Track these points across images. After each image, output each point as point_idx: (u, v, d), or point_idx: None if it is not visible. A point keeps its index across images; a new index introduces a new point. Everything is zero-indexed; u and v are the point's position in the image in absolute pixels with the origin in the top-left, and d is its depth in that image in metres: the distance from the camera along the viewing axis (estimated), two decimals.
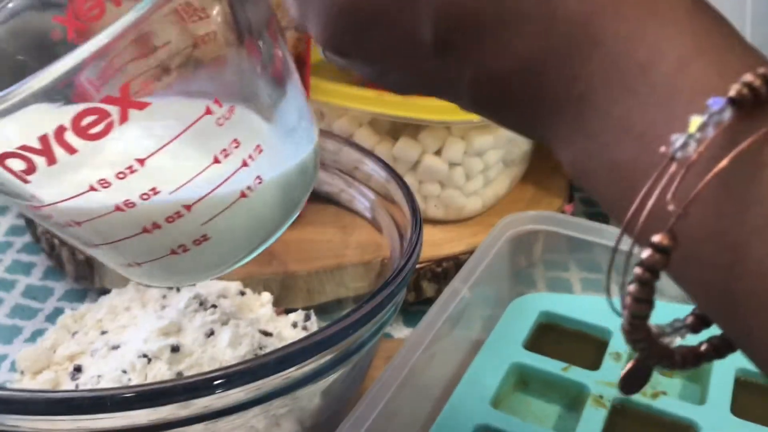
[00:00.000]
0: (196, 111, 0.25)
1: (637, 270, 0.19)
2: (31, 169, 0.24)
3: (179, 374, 0.39)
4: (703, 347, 0.23)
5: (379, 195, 0.44)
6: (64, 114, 0.23)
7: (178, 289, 0.48)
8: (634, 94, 0.19)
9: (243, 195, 0.26)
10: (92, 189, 0.24)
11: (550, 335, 0.46)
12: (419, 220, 0.38)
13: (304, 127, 0.29)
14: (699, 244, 0.18)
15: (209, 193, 0.26)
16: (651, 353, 0.21)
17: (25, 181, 0.24)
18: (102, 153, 0.24)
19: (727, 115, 0.18)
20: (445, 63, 0.22)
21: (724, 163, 0.18)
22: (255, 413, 0.31)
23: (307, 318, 0.47)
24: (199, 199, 0.26)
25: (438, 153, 0.54)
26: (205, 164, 0.25)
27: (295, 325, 0.47)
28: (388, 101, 0.52)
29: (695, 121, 0.18)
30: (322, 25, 0.24)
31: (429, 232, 0.56)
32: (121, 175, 0.24)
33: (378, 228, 0.44)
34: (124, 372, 0.39)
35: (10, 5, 0.31)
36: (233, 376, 0.29)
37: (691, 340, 0.23)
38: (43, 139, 0.23)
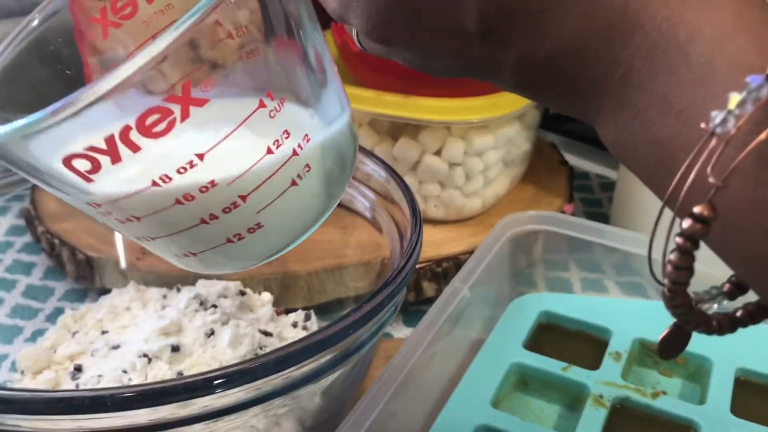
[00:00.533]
0: (250, 105, 0.25)
1: (678, 239, 0.20)
2: (96, 168, 0.24)
3: (179, 374, 0.40)
4: (739, 313, 0.24)
5: (379, 195, 0.44)
6: (125, 114, 0.23)
7: (178, 289, 0.48)
8: (674, 73, 0.20)
9: (293, 183, 0.27)
10: (154, 184, 0.25)
11: (550, 335, 0.46)
12: (419, 220, 0.38)
13: (344, 117, 0.30)
14: (739, 213, 0.19)
15: (263, 182, 0.26)
16: (690, 319, 0.23)
17: (89, 181, 0.25)
18: (164, 149, 0.24)
19: (765, 91, 0.18)
20: (490, 49, 0.23)
21: (762, 136, 0.18)
22: (255, 413, 0.31)
23: (307, 318, 0.47)
24: (254, 189, 0.26)
25: (438, 153, 0.54)
26: (259, 155, 0.26)
27: (295, 325, 0.47)
28: (387, 101, 0.52)
29: (734, 98, 0.19)
30: (368, 16, 0.24)
31: (429, 232, 0.56)
32: (182, 170, 0.25)
33: (378, 228, 0.44)
34: (125, 372, 0.39)
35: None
36: (233, 376, 0.29)
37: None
38: (110, 139, 0.23)
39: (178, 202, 0.26)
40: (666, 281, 0.21)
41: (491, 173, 0.57)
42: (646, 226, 0.55)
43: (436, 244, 0.54)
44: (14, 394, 0.28)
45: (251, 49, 0.26)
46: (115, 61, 0.36)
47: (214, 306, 0.44)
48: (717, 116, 0.19)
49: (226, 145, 0.25)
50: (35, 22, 0.33)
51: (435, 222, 0.57)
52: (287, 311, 0.48)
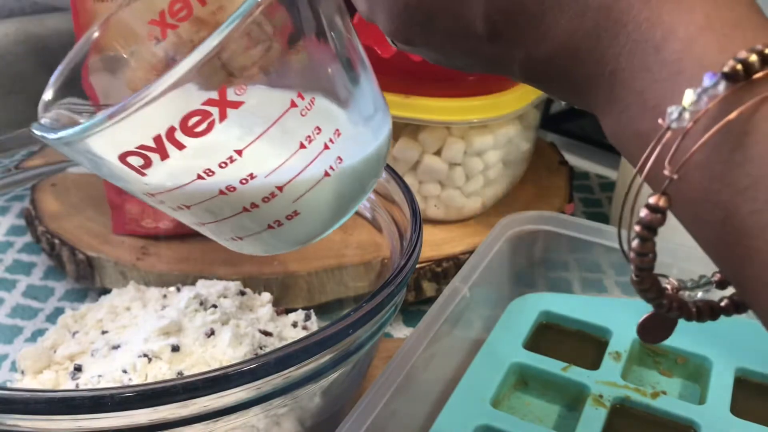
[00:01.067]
0: (282, 105, 0.28)
1: (637, 228, 0.22)
2: (147, 164, 0.27)
3: (180, 374, 0.40)
4: (723, 303, 0.25)
5: (379, 195, 0.44)
6: (171, 113, 0.26)
7: (178, 289, 0.48)
8: (650, 71, 0.22)
9: (326, 174, 0.30)
10: (199, 177, 0.28)
11: (550, 335, 0.46)
12: (419, 220, 0.38)
13: (378, 113, 0.32)
14: (696, 204, 0.21)
15: (297, 174, 0.29)
16: (661, 303, 0.24)
17: (143, 174, 0.28)
18: (206, 146, 0.27)
19: (721, 88, 0.20)
20: (498, 48, 0.25)
21: (711, 132, 0.20)
22: (255, 413, 0.31)
23: (307, 318, 0.47)
24: (289, 180, 0.29)
25: (438, 153, 0.54)
26: (292, 150, 0.29)
27: (295, 324, 0.47)
28: (388, 101, 0.52)
29: (689, 95, 0.20)
30: (390, 19, 0.27)
31: (429, 232, 0.56)
32: (222, 165, 0.28)
33: (378, 228, 0.44)
34: (125, 372, 0.39)
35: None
36: (233, 376, 0.29)
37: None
38: (157, 138, 0.26)
39: (221, 192, 0.29)
40: (632, 267, 0.23)
41: (491, 173, 0.57)
42: None
43: (436, 244, 0.54)
44: (14, 394, 0.28)
45: (282, 51, 0.28)
46: (115, 61, 0.37)
47: (214, 306, 0.44)
48: (673, 112, 0.20)
49: (261, 141, 0.28)
50: (96, 34, 0.37)
51: (435, 222, 0.57)
52: (287, 311, 0.48)
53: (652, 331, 0.28)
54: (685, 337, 0.44)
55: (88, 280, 0.52)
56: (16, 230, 0.57)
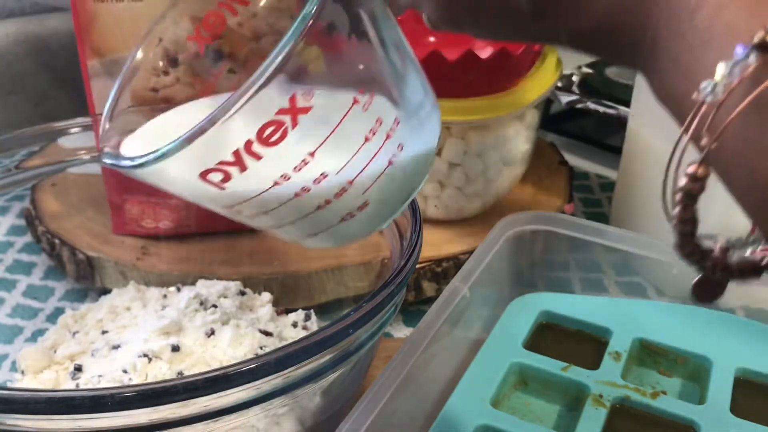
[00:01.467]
0: (346, 103, 0.29)
1: (678, 196, 0.23)
2: (227, 178, 0.29)
3: (180, 374, 0.40)
4: (765, 261, 0.26)
5: None
6: (248, 127, 0.27)
7: (178, 289, 0.48)
8: (684, 37, 0.23)
9: (390, 162, 0.31)
10: (276, 184, 0.29)
11: (549, 335, 0.46)
12: (419, 220, 0.39)
13: (428, 100, 0.34)
14: (733, 168, 0.22)
15: (365, 167, 0.30)
16: (705, 265, 0.25)
17: (222, 189, 0.29)
18: (281, 153, 0.28)
19: (752, 59, 0.20)
20: (544, 24, 0.27)
21: (744, 104, 0.21)
22: (255, 413, 0.32)
23: (307, 318, 0.47)
24: (358, 174, 0.30)
25: (438, 153, 0.54)
26: (359, 144, 0.30)
27: (295, 324, 0.47)
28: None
29: (721, 68, 0.21)
30: (436, 3, 0.29)
31: (429, 232, 0.56)
32: (297, 169, 0.29)
33: None
34: (125, 371, 0.39)
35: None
36: (233, 376, 0.29)
37: None
38: (236, 152, 0.28)
39: (297, 195, 0.30)
40: (674, 234, 0.24)
41: (491, 173, 0.57)
42: (646, 226, 0.55)
43: (436, 244, 0.54)
44: (14, 393, 0.28)
45: (341, 49, 0.29)
46: (116, 64, 0.38)
47: (214, 306, 0.44)
48: (707, 86, 0.21)
49: (330, 141, 0.29)
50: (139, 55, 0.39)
51: (435, 222, 0.57)
52: (287, 311, 0.48)
53: (706, 290, 0.30)
54: (685, 337, 0.44)
55: (88, 280, 0.52)
56: (16, 230, 0.57)
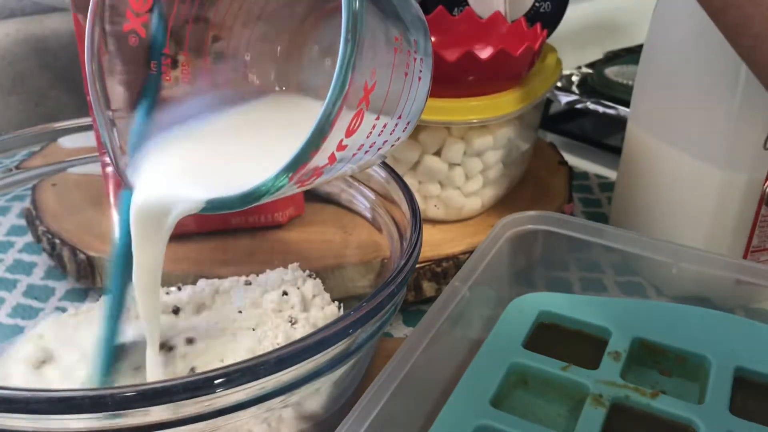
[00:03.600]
0: (389, 57, 0.31)
1: None
2: (317, 176, 0.31)
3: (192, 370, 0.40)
4: None
5: (379, 195, 0.44)
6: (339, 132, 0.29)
7: (179, 288, 0.48)
8: None
9: (419, 79, 0.34)
10: (354, 155, 0.32)
11: (549, 335, 0.46)
12: (419, 220, 0.39)
13: (417, 17, 0.36)
14: None
15: (409, 93, 0.34)
16: None
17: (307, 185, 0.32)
18: (360, 132, 0.31)
19: None
20: None
21: None
22: (255, 413, 0.32)
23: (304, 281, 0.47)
24: (404, 107, 0.34)
25: (438, 153, 0.54)
26: (402, 84, 0.33)
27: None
28: None
29: None
30: None
31: (429, 232, 0.56)
32: (368, 135, 0.32)
33: (378, 228, 0.44)
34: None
35: None
36: (233, 376, 0.29)
37: None
38: (331, 156, 0.30)
39: (366, 151, 0.33)
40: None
41: (491, 173, 0.57)
42: (645, 226, 0.55)
43: (436, 244, 0.54)
44: (14, 393, 0.28)
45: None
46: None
47: (214, 307, 0.44)
48: None
49: (388, 99, 0.32)
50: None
51: (435, 222, 0.57)
52: None
53: None
54: (684, 336, 0.44)
55: (88, 280, 0.52)
56: (16, 230, 0.57)
